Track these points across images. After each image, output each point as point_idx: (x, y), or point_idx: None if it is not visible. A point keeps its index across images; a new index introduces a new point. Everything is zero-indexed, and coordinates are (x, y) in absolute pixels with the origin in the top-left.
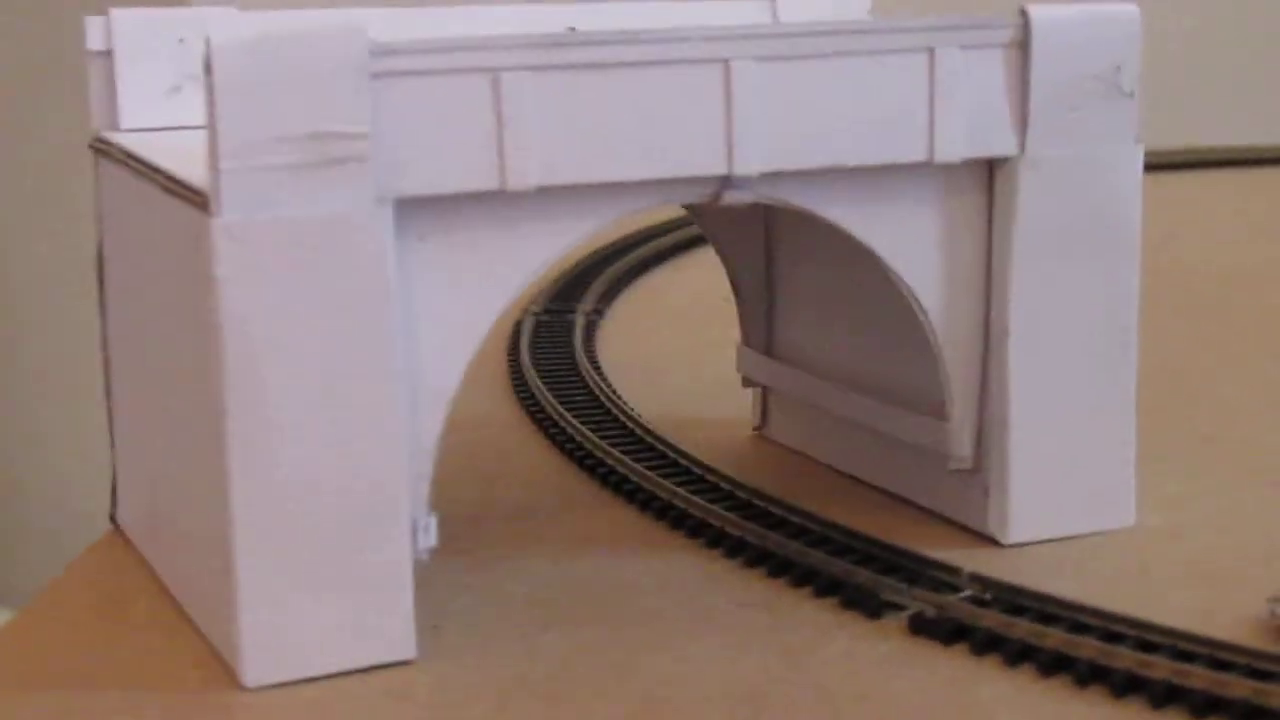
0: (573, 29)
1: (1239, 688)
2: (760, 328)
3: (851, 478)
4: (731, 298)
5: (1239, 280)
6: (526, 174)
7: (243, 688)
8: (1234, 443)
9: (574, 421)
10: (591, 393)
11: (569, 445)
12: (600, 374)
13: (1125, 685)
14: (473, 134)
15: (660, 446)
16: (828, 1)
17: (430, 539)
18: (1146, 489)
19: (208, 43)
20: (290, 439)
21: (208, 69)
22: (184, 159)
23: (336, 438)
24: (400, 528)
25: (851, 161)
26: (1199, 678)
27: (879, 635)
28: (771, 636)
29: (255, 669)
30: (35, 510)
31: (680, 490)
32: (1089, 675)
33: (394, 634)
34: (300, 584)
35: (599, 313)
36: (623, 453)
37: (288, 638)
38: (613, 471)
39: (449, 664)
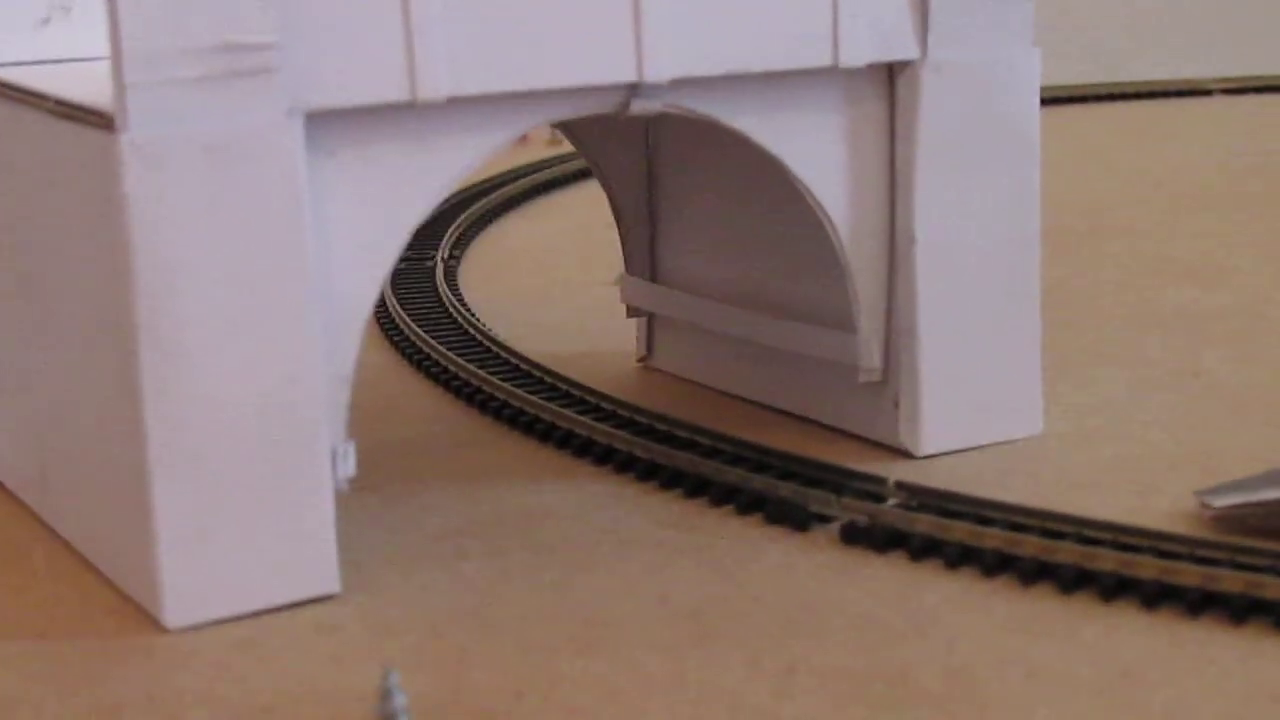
0: None
1: (1188, 575)
2: (644, 253)
3: (749, 401)
4: (613, 224)
5: (1105, 211)
6: (437, 85)
7: (164, 629)
8: (1123, 356)
9: (456, 359)
10: (466, 332)
11: (454, 383)
12: (471, 313)
13: (1072, 581)
14: (382, 43)
15: (548, 379)
16: None
17: (349, 467)
18: (1047, 398)
19: None
20: (205, 364)
21: None
22: (72, 86)
23: (252, 360)
24: (320, 455)
25: (758, 67)
26: (1147, 567)
27: (812, 547)
28: (701, 555)
29: (177, 609)
30: None
31: (581, 418)
32: (1033, 573)
33: (318, 567)
34: (219, 517)
35: (455, 258)
36: (514, 386)
37: (209, 575)
38: (505, 405)
39: (375, 597)
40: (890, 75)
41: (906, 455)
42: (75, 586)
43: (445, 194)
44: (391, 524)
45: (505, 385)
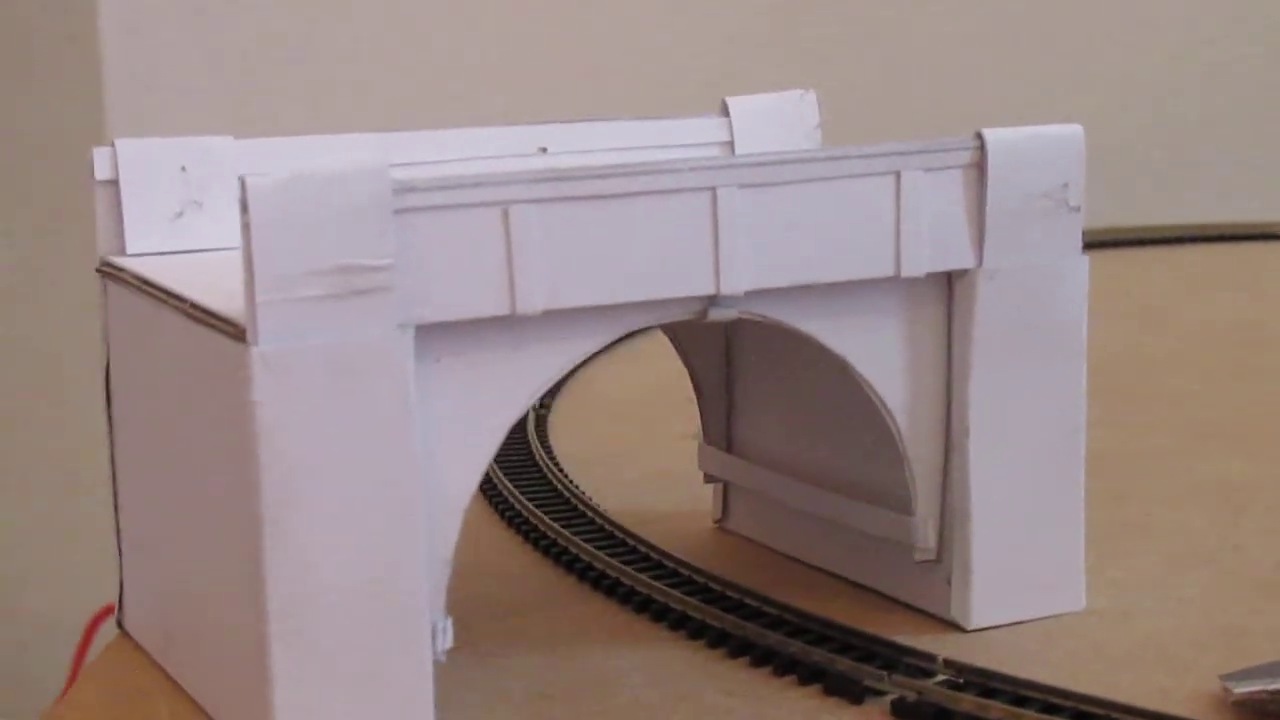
0: (544, 149)
1: None
2: (720, 425)
3: (814, 568)
4: (693, 397)
5: (1137, 363)
6: (534, 299)
7: None
8: (1165, 529)
9: (543, 516)
10: (553, 486)
11: (542, 541)
12: (559, 467)
13: None
14: (486, 263)
15: (629, 540)
16: (779, 115)
17: (448, 640)
18: (1090, 573)
19: (243, 183)
20: (322, 549)
21: (244, 208)
22: (201, 286)
23: (365, 547)
24: (422, 630)
25: (826, 278)
26: None
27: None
28: None
29: None
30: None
31: (657, 584)
32: None
33: None
34: (331, 683)
35: (546, 407)
36: (595, 547)
37: None
38: (589, 567)
39: None
40: (949, 280)
41: (957, 628)
42: None
43: (540, 395)
44: (484, 687)
45: (588, 546)
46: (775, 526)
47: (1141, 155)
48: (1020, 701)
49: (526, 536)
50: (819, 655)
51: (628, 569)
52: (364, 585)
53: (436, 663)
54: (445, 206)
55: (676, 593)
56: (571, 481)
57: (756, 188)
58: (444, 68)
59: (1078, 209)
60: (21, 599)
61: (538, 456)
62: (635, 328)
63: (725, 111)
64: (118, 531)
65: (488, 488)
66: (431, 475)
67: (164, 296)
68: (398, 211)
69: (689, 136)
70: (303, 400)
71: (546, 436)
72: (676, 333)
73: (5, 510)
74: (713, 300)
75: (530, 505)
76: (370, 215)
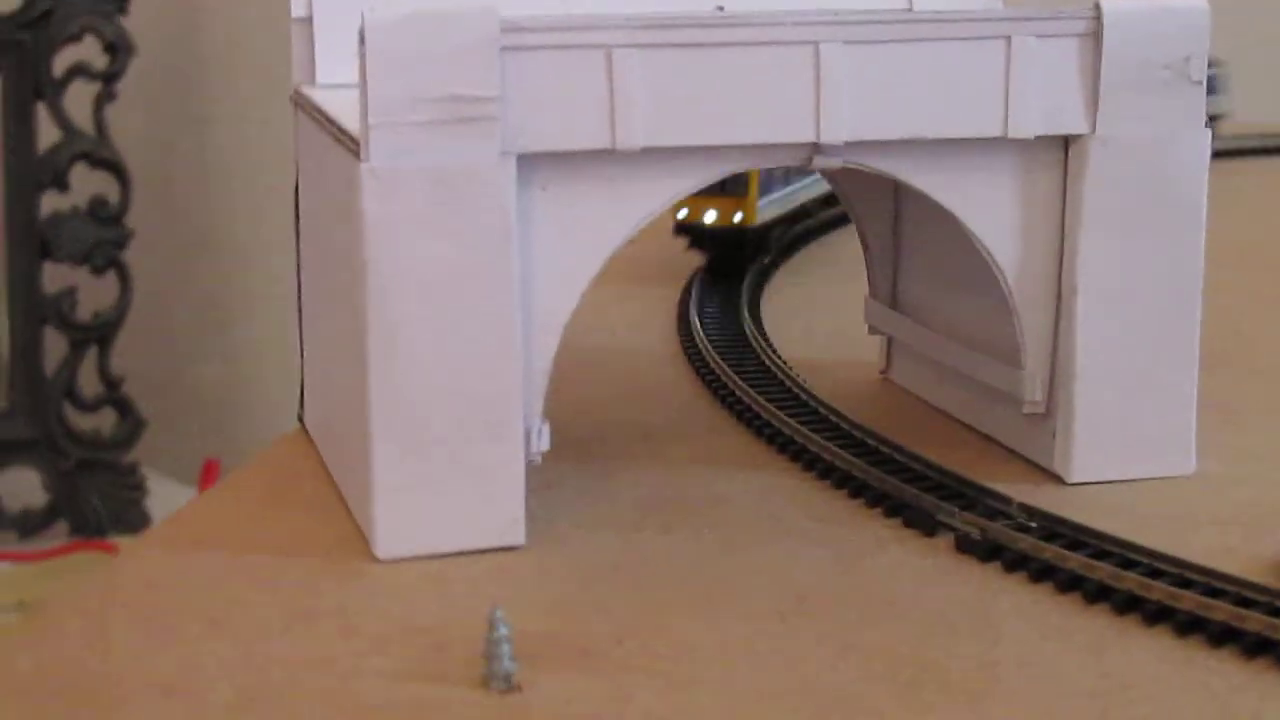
0: (720, 8)
1: (1254, 621)
2: (886, 281)
3: (952, 418)
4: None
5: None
6: (633, 137)
7: (374, 559)
8: None
9: (719, 360)
10: (743, 333)
11: (711, 380)
12: (758, 317)
13: (1126, 603)
14: (587, 100)
15: (792, 386)
16: None
17: (543, 443)
18: (1209, 438)
19: (363, 18)
20: (421, 355)
21: (361, 40)
22: (354, 113)
23: (462, 354)
24: (515, 430)
25: (929, 134)
26: (1220, 611)
27: (929, 551)
28: (833, 546)
29: (386, 543)
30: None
31: (791, 421)
32: (1096, 594)
33: (506, 522)
34: (427, 476)
35: (775, 265)
36: (756, 390)
37: (414, 519)
38: (739, 401)
39: (550, 553)
40: (1065, 144)
41: (1059, 480)
42: (323, 517)
43: (639, 228)
44: (597, 493)
45: (748, 388)
46: (924, 379)
47: None
48: (1075, 546)
49: (700, 376)
50: (907, 491)
51: (773, 408)
52: (460, 387)
53: (532, 463)
54: (550, 46)
55: (803, 428)
56: (762, 330)
57: (860, 44)
58: None
59: (1200, 82)
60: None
61: (740, 306)
62: (737, 170)
63: None
64: (300, 336)
65: (684, 331)
66: (532, 293)
67: (324, 120)
68: (505, 49)
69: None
70: (409, 214)
71: (761, 289)
72: (845, 190)
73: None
74: (816, 148)
75: (710, 348)
76: (478, 51)
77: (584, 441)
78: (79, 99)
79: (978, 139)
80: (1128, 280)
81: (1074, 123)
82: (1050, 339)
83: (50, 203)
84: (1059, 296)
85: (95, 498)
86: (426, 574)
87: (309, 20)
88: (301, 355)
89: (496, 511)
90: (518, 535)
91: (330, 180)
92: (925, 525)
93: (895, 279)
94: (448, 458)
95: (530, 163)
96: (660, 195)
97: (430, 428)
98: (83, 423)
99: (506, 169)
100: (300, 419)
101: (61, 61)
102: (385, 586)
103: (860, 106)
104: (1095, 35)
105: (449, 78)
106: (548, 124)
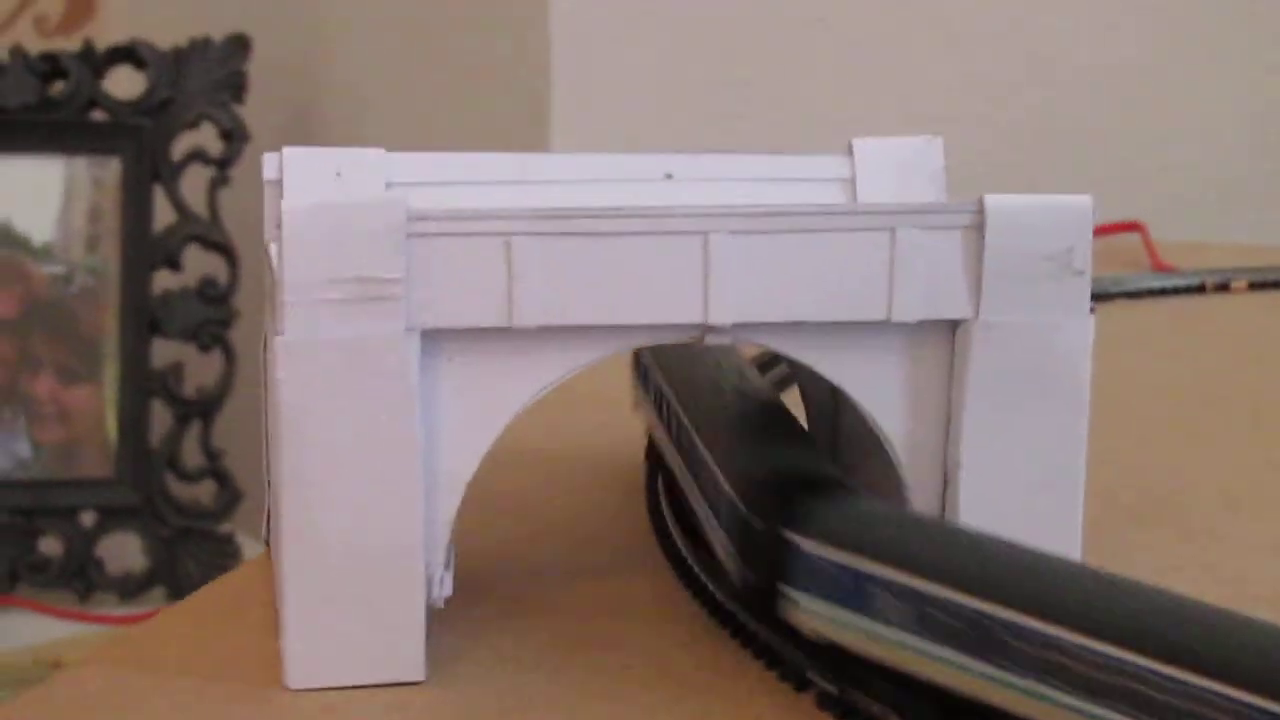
0: (669, 175)
1: None
2: (825, 442)
3: None
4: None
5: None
6: (529, 315)
7: (284, 687)
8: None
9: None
10: None
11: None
12: None
13: None
14: (487, 282)
15: None
16: (903, 158)
17: (446, 589)
18: None
19: (281, 206)
20: (333, 505)
21: (278, 225)
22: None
23: (368, 509)
24: (417, 579)
25: (814, 318)
26: None
27: (799, 705)
28: (713, 693)
29: (295, 674)
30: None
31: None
32: None
33: (407, 659)
34: (334, 615)
35: None
36: (688, 534)
37: (322, 653)
38: (673, 544)
39: (449, 687)
40: (952, 326)
41: None
42: (264, 641)
43: (537, 398)
44: (503, 630)
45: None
46: None
47: None
48: None
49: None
50: (787, 645)
51: (693, 549)
52: (368, 537)
53: (435, 608)
54: (453, 234)
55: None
56: None
57: (747, 235)
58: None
59: (1082, 272)
60: None
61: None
62: (633, 345)
63: (850, 151)
64: (265, 458)
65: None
66: (436, 455)
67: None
68: (410, 235)
69: (811, 172)
70: (320, 383)
71: None
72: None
73: None
74: (708, 328)
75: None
76: (386, 237)
77: (511, 574)
78: (194, 182)
79: (859, 323)
80: (1011, 459)
81: (958, 308)
82: (939, 512)
83: (162, 281)
84: (945, 471)
85: (192, 564)
86: (328, 704)
87: (279, 183)
88: (267, 480)
89: (398, 649)
90: (419, 671)
91: (270, 336)
92: (797, 679)
93: (835, 439)
94: (353, 600)
95: (435, 337)
96: (557, 369)
97: (338, 573)
98: (184, 492)
99: (410, 343)
100: (267, 541)
101: (179, 147)
102: (288, 715)
103: (746, 292)
104: (978, 228)
105: (358, 261)
106: (450, 303)
